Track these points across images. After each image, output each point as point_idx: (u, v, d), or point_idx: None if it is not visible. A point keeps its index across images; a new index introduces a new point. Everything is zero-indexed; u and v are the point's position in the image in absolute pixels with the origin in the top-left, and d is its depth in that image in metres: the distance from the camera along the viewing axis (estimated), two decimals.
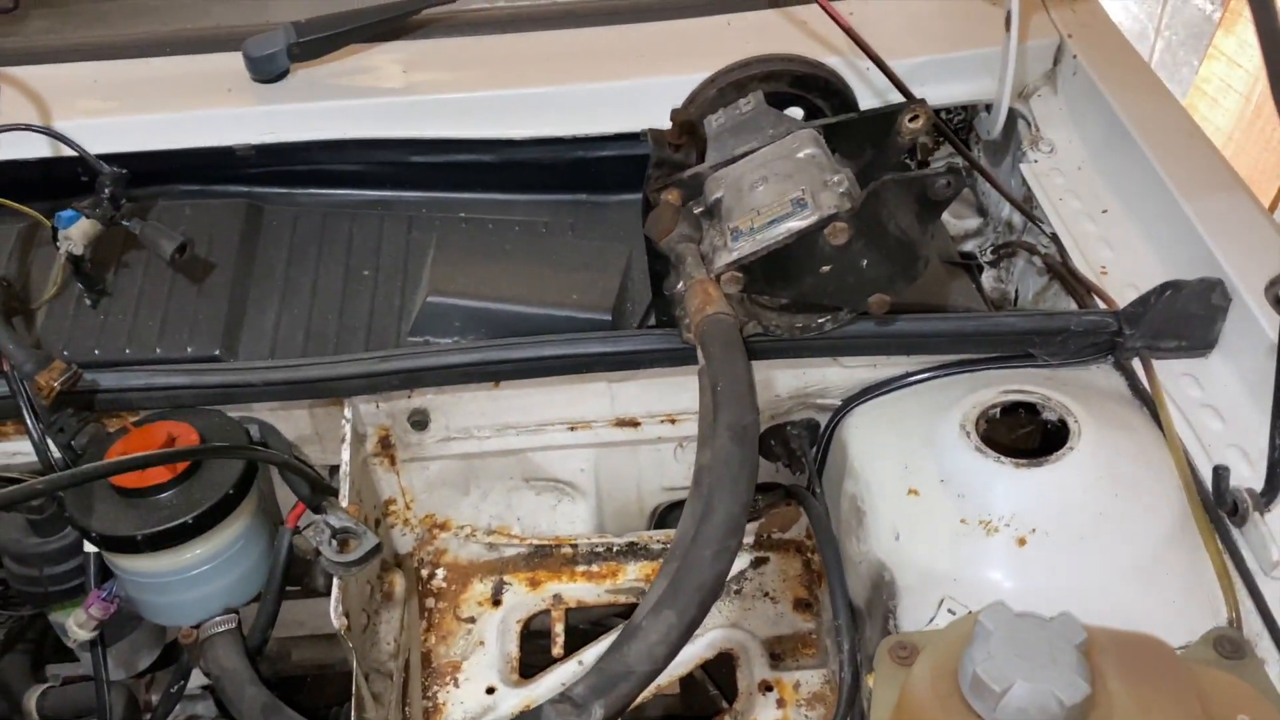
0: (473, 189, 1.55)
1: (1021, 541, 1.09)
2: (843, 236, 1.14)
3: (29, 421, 1.19)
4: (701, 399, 1.09)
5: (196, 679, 1.36)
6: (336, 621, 1.18)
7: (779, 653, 1.39)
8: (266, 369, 1.25)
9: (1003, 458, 1.12)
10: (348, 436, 1.28)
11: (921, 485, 1.17)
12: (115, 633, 1.34)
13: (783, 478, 1.51)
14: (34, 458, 1.24)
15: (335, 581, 1.20)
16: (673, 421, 1.39)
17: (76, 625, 1.23)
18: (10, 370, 1.19)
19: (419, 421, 1.36)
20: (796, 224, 1.14)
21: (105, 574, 1.25)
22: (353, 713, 1.15)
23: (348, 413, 1.29)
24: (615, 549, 1.49)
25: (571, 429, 1.40)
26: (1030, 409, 1.20)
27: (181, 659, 1.31)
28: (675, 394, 1.36)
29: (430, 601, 1.45)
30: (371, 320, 1.42)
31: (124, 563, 1.18)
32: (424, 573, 1.48)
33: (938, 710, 0.93)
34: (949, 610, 1.09)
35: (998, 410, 1.19)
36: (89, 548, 1.23)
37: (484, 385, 1.33)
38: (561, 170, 1.54)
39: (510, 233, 1.51)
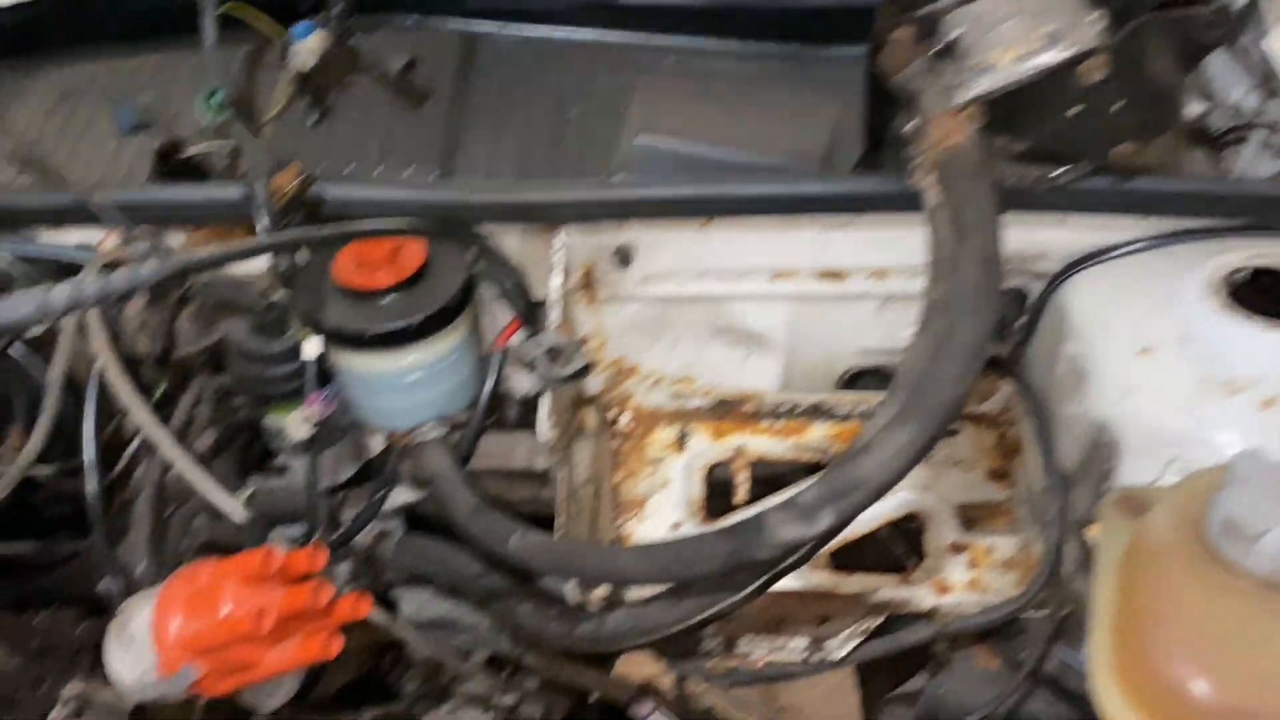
0: (684, 33, 1.53)
1: (1267, 404, 1.03)
2: (1097, 74, 1.08)
3: (260, 225, 1.23)
4: (935, 235, 1.06)
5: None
6: (547, 432, 1.21)
7: (970, 519, 1.36)
8: (488, 189, 1.27)
9: (1254, 315, 1.06)
10: (558, 263, 1.30)
11: (1156, 345, 1.12)
12: (321, 445, 1.40)
13: None
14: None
15: (544, 397, 1.22)
16: (881, 276, 1.36)
17: (297, 423, 1.28)
18: (247, 172, 1.23)
19: (623, 257, 1.36)
20: (1049, 58, 1.08)
21: (322, 382, 1.31)
22: (556, 522, 1.18)
23: (560, 240, 1.30)
24: (801, 408, 1.48)
25: (774, 277, 1.38)
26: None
27: (386, 469, 1.36)
28: (888, 246, 1.32)
29: (616, 443, 1.48)
30: (580, 159, 1.42)
31: (348, 360, 1.22)
32: (610, 414, 1.50)
33: (1179, 555, 0.89)
34: (1177, 471, 1.05)
35: (1245, 274, 1.12)
36: (309, 353, 1.28)
37: (692, 223, 1.32)
38: (774, 17, 1.50)
39: (719, 79, 1.49)
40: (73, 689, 1.09)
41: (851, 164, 1.36)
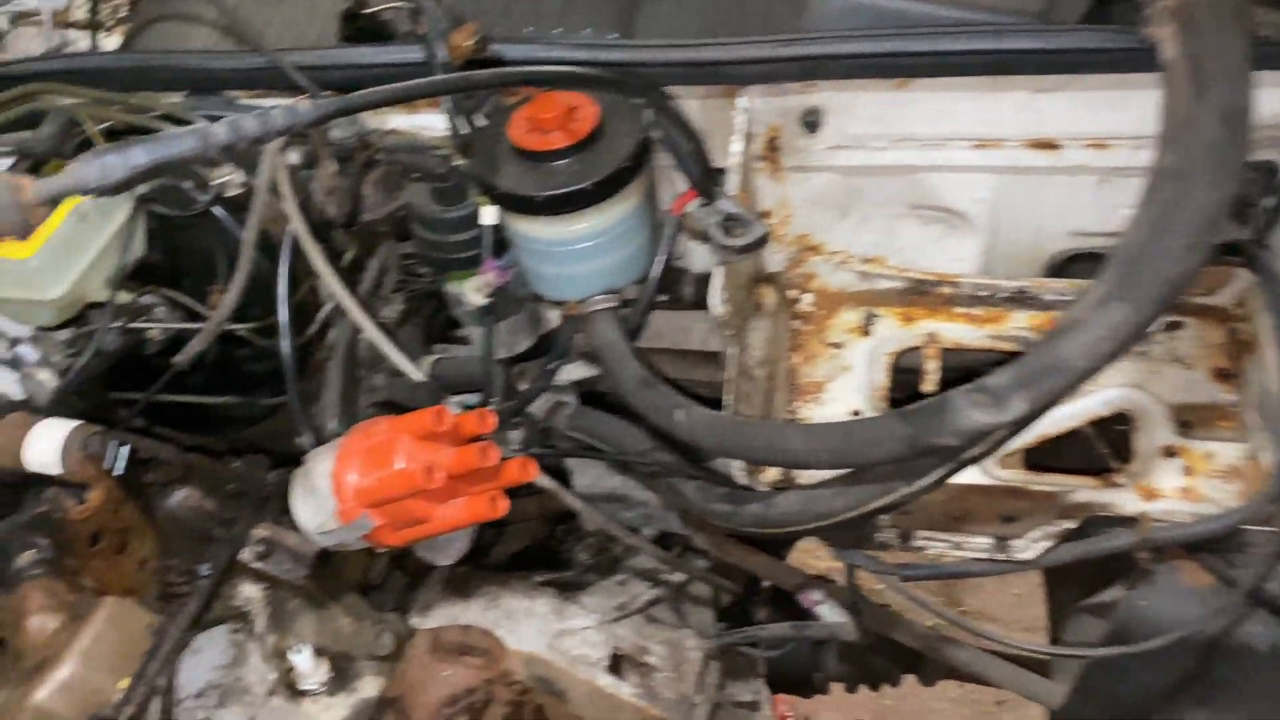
0: None
1: None
2: None
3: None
4: (1170, 93, 0.91)
5: None
6: (719, 307, 1.16)
7: (1188, 421, 1.22)
8: (666, 47, 1.20)
9: None
10: (739, 128, 1.22)
11: None
12: (498, 315, 1.41)
13: None
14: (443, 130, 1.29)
15: (718, 269, 1.17)
16: (1101, 147, 1.21)
17: (473, 290, 1.28)
18: (427, 29, 1.21)
19: (811, 122, 1.26)
20: None
21: (498, 250, 1.30)
22: (723, 401, 1.14)
23: (741, 103, 1.23)
24: (1002, 294, 1.36)
25: (977, 146, 1.25)
26: None
27: (560, 338, 1.35)
28: (1112, 111, 1.17)
29: (796, 324, 1.41)
30: (767, 18, 1.32)
31: (521, 226, 1.20)
32: (790, 294, 1.42)
33: None
34: None
35: None
36: (485, 219, 1.27)
37: (888, 84, 1.21)
38: None
39: None
40: (261, 530, 1.15)
41: (1076, 16, 1.20)
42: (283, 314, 1.33)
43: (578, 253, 1.20)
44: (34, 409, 1.33)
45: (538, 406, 1.41)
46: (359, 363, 1.54)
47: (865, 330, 1.38)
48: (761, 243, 1.14)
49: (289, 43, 1.48)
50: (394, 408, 1.37)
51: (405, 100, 1.12)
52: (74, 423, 1.11)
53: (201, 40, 1.57)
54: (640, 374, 1.14)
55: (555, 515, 1.67)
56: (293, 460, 1.42)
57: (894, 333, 1.38)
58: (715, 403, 1.20)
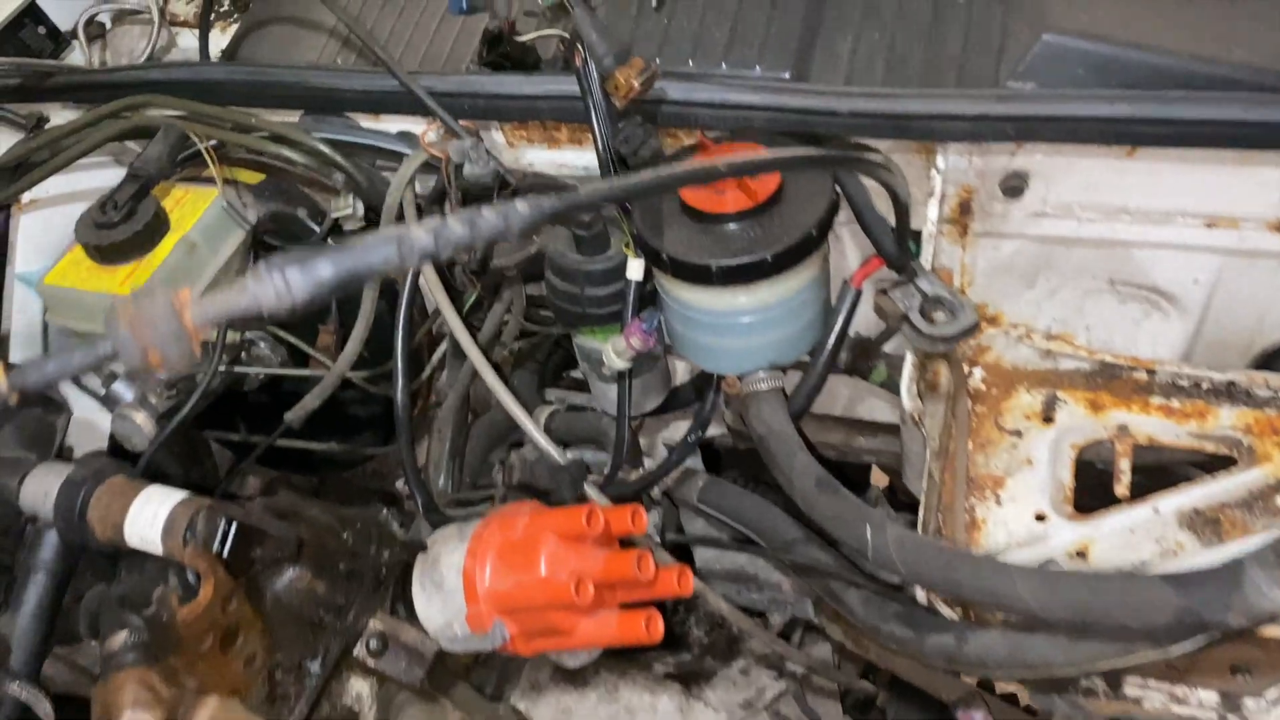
0: None
1: None
2: None
3: (596, 124, 1.08)
4: None
5: None
6: (909, 403, 1.01)
7: None
8: (855, 96, 1.05)
9: None
10: (936, 190, 1.07)
11: None
12: (633, 374, 1.27)
13: None
14: (583, 169, 1.16)
15: (909, 357, 1.02)
16: None
17: (615, 353, 1.15)
18: (583, 64, 1.07)
19: (1015, 187, 1.11)
20: None
21: (640, 306, 1.16)
22: (920, 516, 0.99)
23: (940, 162, 1.07)
24: (1208, 385, 1.19)
25: (1208, 225, 1.09)
26: None
27: (703, 411, 1.21)
28: None
29: (967, 405, 1.25)
30: (965, 58, 1.16)
31: (683, 294, 1.06)
32: (963, 374, 1.27)
33: None
34: None
35: None
36: (633, 274, 1.14)
37: (1114, 151, 1.05)
38: None
39: None
40: (377, 624, 1.03)
41: None
42: (399, 362, 1.21)
43: (744, 326, 1.06)
44: (124, 454, 1.22)
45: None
46: (472, 410, 1.42)
47: (1047, 417, 1.22)
48: (971, 330, 0.99)
49: (408, 57, 1.35)
50: (527, 490, 1.24)
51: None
52: (177, 494, 0.99)
53: (316, 48, 1.45)
54: (816, 473, 1.00)
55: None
56: (391, 501, 1.30)
57: (1080, 422, 1.21)
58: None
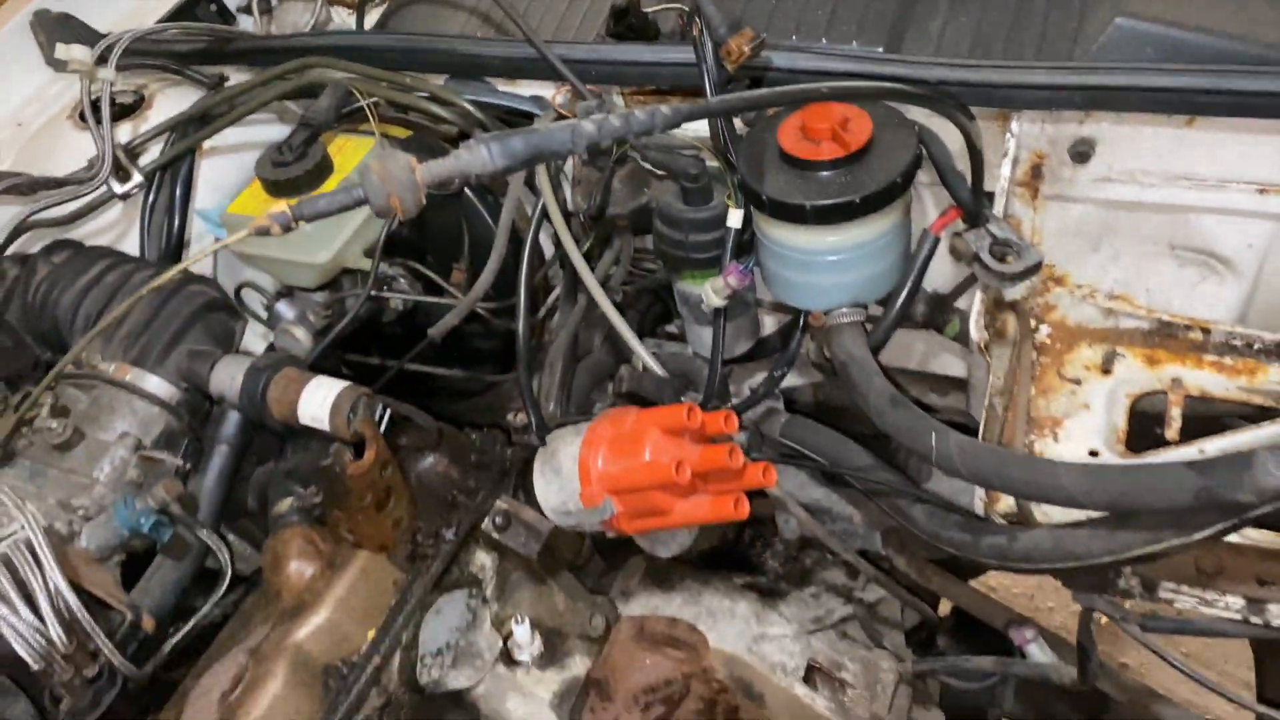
0: None
1: None
2: None
3: (710, 88, 1.23)
4: None
5: None
6: (976, 334, 1.14)
7: None
8: (941, 65, 1.19)
9: None
10: (1010, 152, 1.20)
11: None
12: (727, 316, 1.42)
13: None
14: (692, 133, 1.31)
15: (978, 295, 1.15)
16: None
17: (713, 290, 1.30)
18: (700, 33, 1.22)
19: (1082, 153, 1.23)
20: None
21: (738, 253, 1.31)
22: (980, 430, 1.12)
23: (1015, 127, 1.20)
24: (1259, 345, 1.29)
25: (1261, 191, 1.20)
26: None
27: (790, 347, 1.35)
28: None
29: (1031, 355, 1.37)
30: (1044, 39, 1.29)
31: (779, 233, 1.21)
32: (1029, 324, 1.39)
33: None
34: None
35: None
36: (733, 221, 1.28)
37: (1174, 121, 1.17)
38: None
39: None
40: (502, 503, 1.19)
41: None
42: (523, 297, 1.37)
43: (832, 264, 1.20)
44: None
45: (753, 411, 1.42)
46: (579, 349, 1.58)
47: (1106, 369, 1.34)
48: (1035, 270, 1.12)
49: (545, 28, 1.53)
50: (634, 399, 1.40)
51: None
52: (342, 383, 1.17)
53: (457, 23, 1.63)
54: (890, 392, 1.13)
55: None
56: (508, 435, 1.46)
57: (1136, 374, 1.33)
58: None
